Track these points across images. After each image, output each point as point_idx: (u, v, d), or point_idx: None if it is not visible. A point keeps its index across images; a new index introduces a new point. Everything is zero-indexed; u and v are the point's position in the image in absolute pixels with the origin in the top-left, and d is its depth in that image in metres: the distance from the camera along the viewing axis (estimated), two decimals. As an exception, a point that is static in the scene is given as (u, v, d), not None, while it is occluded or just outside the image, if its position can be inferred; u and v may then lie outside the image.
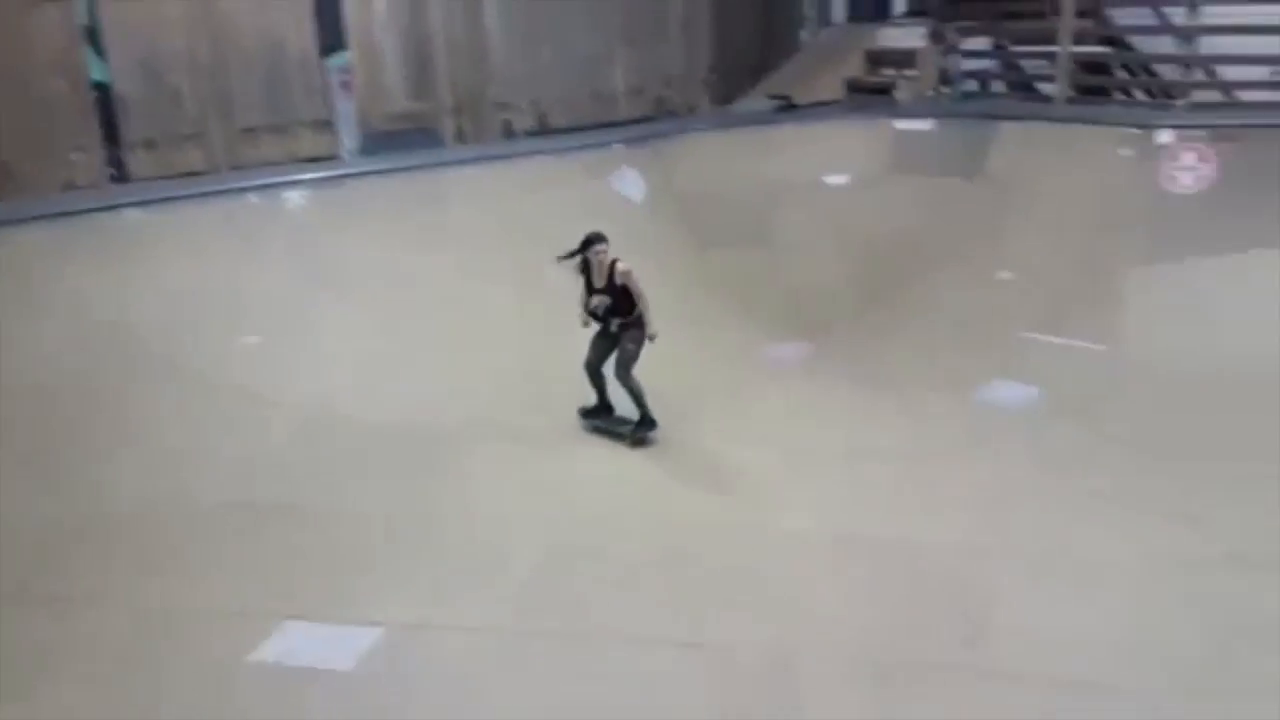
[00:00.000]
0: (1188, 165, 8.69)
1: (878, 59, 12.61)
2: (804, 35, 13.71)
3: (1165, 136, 8.96)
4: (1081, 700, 4.23)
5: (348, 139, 10.00)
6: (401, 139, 10.10)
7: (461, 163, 9.72)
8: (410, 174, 9.22)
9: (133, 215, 7.79)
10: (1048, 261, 8.49)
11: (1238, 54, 10.26)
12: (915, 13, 13.38)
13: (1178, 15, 10.63)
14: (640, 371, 6.78)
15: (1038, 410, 7.27)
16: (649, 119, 11.90)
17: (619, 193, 10.08)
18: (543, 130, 11.16)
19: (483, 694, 4.38)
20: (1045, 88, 11.16)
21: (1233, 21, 9.88)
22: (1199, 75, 10.57)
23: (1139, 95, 11.55)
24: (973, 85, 11.83)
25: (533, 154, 10.15)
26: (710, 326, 8.77)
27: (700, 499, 6.16)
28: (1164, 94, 10.73)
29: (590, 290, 6.80)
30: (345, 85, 9.98)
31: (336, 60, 9.88)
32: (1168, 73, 10.93)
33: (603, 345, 6.93)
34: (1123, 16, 11.57)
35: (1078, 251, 8.43)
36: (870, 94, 12.00)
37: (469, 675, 4.50)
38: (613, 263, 6.66)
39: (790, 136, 10.67)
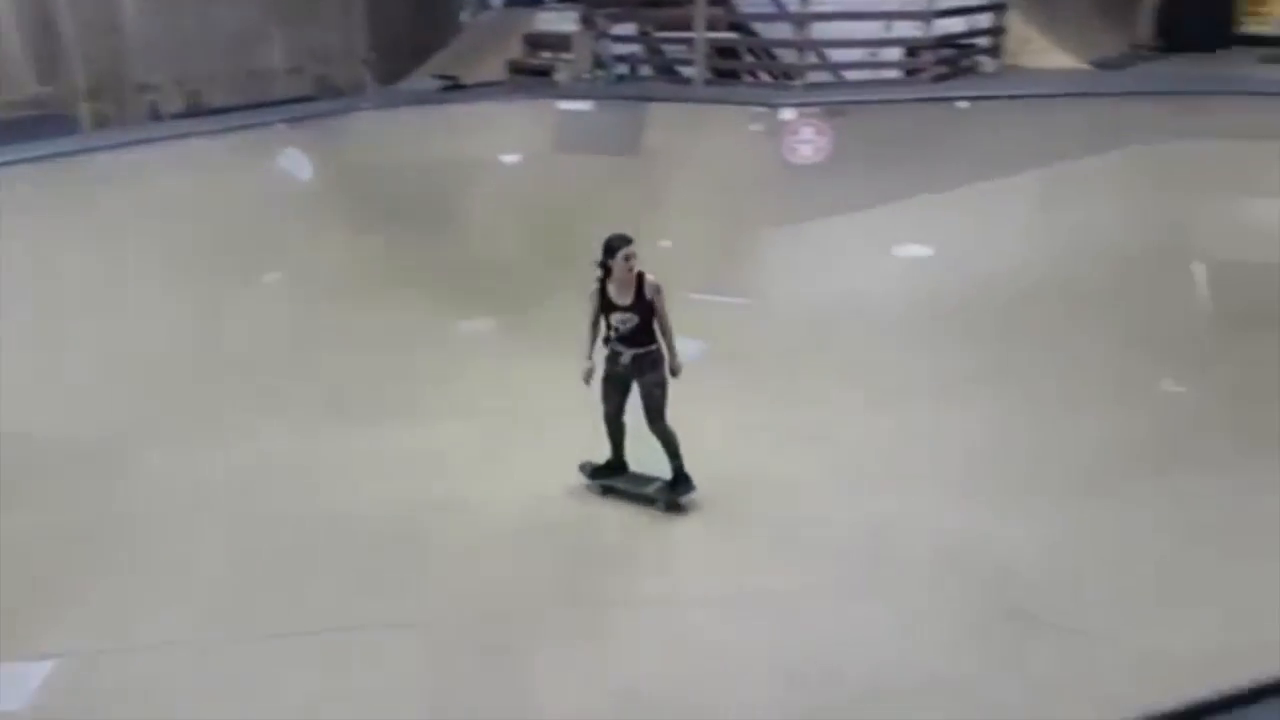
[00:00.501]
0: (807, 138, 9.98)
1: (536, 42, 13.12)
2: (464, 17, 13.92)
3: (788, 113, 10.23)
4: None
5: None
6: (27, 128, 9.11)
7: (102, 149, 9.00)
8: (40, 165, 8.40)
9: None
10: (699, 228, 9.41)
11: (842, 38, 11.81)
12: (567, -2, 14.04)
13: (792, 3, 12.02)
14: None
15: (702, 360, 8.12)
16: (310, 98, 11.61)
17: (283, 173, 9.80)
18: (195, 111, 10.54)
19: (177, 715, 4.15)
20: (686, 71, 12.23)
21: (836, 8, 11.37)
22: (812, 58, 12.06)
23: (765, 77, 12.93)
24: (624, 69, 12.69)
25: (185, 136, 9.62)
26: (395, 308, 8.82)
27: (395, 482, 6.07)
28: (785, 75, 12.12)
29: (609, 308, 5.49)
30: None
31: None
32: (787, 56, 12.36)
33: (617, 388, 5.63)
34: (747, 4, 12.90)
35: (723, 218, 9.44)
36: (531, 75, 12.50)
37: (158, 699, 4.20)
38: (640, 274, 5.46)
39: (458, 116, 10.91)
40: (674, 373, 5.52)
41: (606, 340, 5.54)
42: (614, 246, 5.42)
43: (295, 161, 9.97)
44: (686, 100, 11.16)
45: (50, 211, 8.03)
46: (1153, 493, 5.56)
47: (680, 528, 5.59)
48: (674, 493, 5.65)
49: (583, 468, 5.99)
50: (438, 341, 8.48)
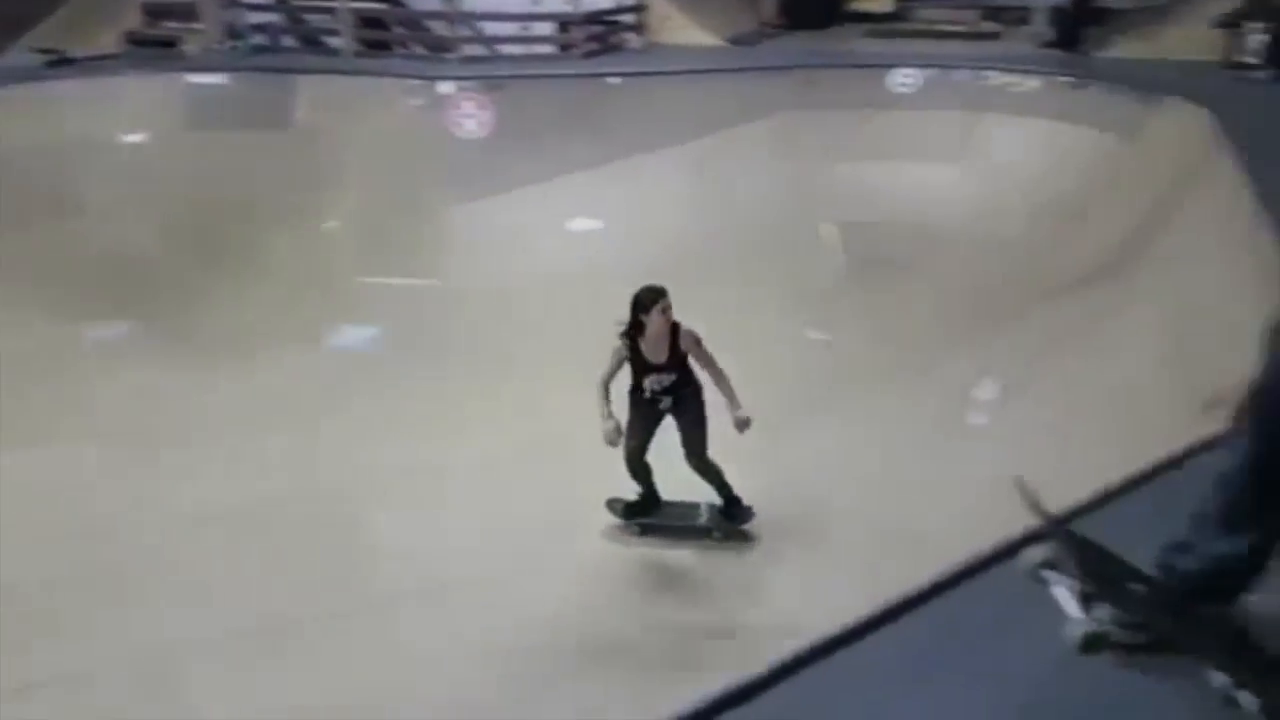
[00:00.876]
0: (469, 113, 9.84)
1: (157, 11, 11.77)
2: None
3: (446, 87, 10.01)
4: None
5: None
6: None
7: None
8: None
9: None
10: (367, 207, 9.00)
11: (493, 11, 11.67)
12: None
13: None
14: None
15: (385, 346, 7.80)
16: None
17: None
18: None
19: None
20: (333, 42, 11.54)
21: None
22: (465, 31, 11.83)
23: (418, 49, 12.52)
24: (262, 39, 11.73)
25: None
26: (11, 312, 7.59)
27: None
28: (439, 48, 11.80)
29: (644, 369, 4.88)
30: None
31: None
32: (439, 28, 12.03)
33: (645, 426, 5.06)
34: (393, -27, 12.38)
35: (392, 196, 9.09)
36: (155, 47, 11.20)
37: None
38: (674, 326, 4.80)
39: (67, 93, 9.54)
40: (739, 426, 4.80)
41: (638, 393, 4.96)
42: (648, 301, 4.73)
43: None
44: (335, 72, 10.57)
45: None
46: (812, 426, 6.09)
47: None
48: (734, 521, 5.23)
49: (612, 507, 5.38)
50: (59, 354, 7.37)
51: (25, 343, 7.29)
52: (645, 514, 5.33)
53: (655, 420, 5.04)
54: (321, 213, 9.05)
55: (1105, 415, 4.85)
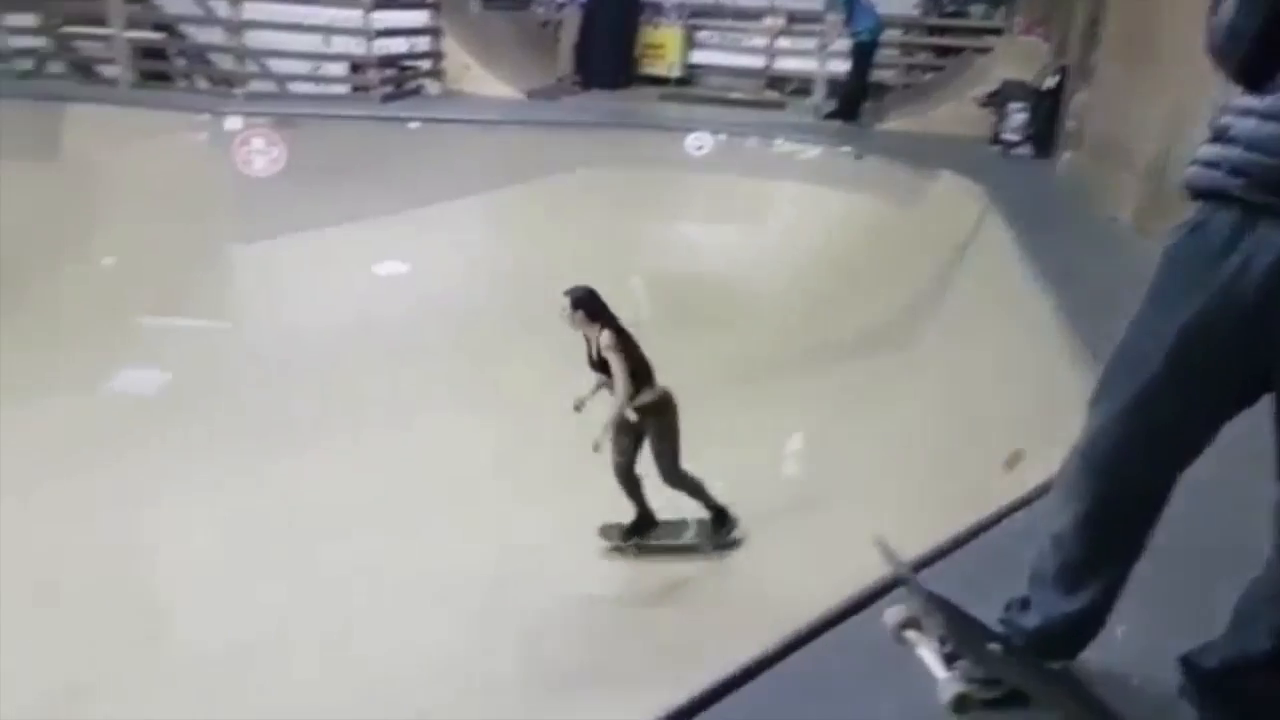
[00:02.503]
0: (258, 149, 9.56)
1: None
2: None
3: (234, 123, 9.70)
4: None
5: None
6: None
7: None
8: None
9: None
10: (150, 244, 8.50)
11: (285, 49, 11.43)
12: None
13: (222, 8, 11.29)
14: None
15: (169, 393, 7.38)
16: None
17: None
18: None
19: None
20: (108, 71, 10.91)
21: (272, 18, 11.00)
22: (253, 67, 11.52)
23: (202, 83, 12.05)
24: (28, 64, 10.92)
25: None
26: None
27: None
28: (225, 82, 11.40)
29: (591, 363, 5.10)
30: None
31: None
32: (224, 63, 11.62)
33: (626, 439, 5.11)
34: (172, 5, 11.88)
35: (177, 233, 8.63)
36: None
37: None
38: (600, 329, 4.96)
39: None
40: (626, 424, 5.01)
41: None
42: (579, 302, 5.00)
43: None
44: (110, 102, 10.02)
45: None
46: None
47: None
48: (720, 532, 5.31)
49: (606, 533, 5.39)
50: None
51: None
52: (641, 535, 5.37)
53: (631, 433, 5.10)
54: (97, 248, 8.51)
55: (913, 473, 5.14)
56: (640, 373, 5.01)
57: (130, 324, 7.88)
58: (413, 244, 9.16)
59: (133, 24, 10.78)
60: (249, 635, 4.66)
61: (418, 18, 12.12)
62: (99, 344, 7.54)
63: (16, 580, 4.81)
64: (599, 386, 5.12)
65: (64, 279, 8.11)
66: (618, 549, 5.35)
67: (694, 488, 5.24)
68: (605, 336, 4.93)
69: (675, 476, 5.16)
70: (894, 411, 6.16)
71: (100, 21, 10.64)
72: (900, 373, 6.72)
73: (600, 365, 5.03)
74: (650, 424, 5.04)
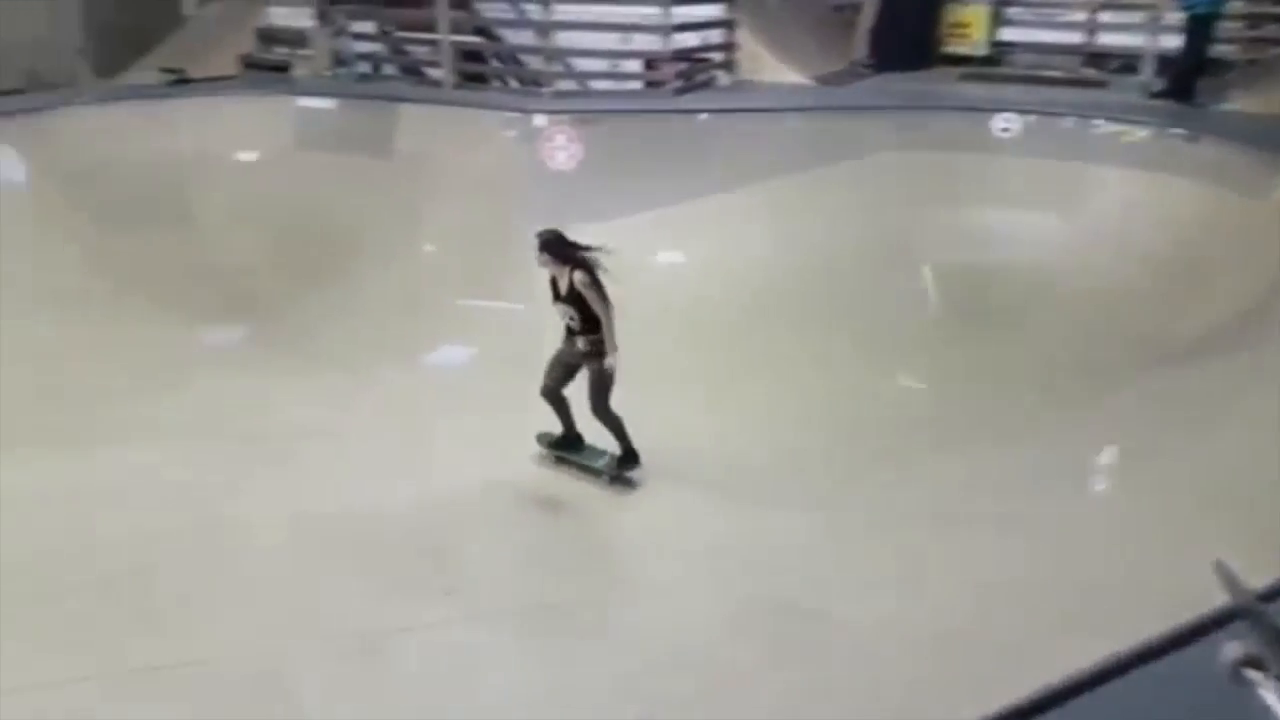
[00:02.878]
0: (560, 145, 10.11)
1: (270, 37, 12.38)
2: (188, 8, 12.78)
3: (540, 120, 10.32)
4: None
5: None
6: None
7: None
8: None
9: None
10: (464, 233, 9.28)
11: (585, 48, 12.03)
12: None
13: (534, 11, 12.10)
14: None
15: (476, 365, 8.05)
16: (18, 91, 10.27)
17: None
18: None
19: None
20: (433, 73, 11.98)
21: (578, 19, 11.58)
22: (559, 67, 12.22)
23: (514, 83, 12.95)
24: (366, 67, 12.24)
25: None
26: (129, 317, 8.05)
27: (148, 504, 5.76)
28: (533, 82, 12.20)
29: (555, 296, 5.95)
30: None
31: None
32: (533, 63, 12.43)
33: (561, 367, 6.11)
34: (488, 10, 12.84)
35: (487, 223, 9.35)
36: (267, 71, 11.77)
37: None
38: (572, 270, 5.80)
39: (190, 111, 10.09)
40: (606, 370, 5.82)
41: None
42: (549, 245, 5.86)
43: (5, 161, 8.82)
44: (436, 102, 10.96)
45: None
46: (898, 481, 6.09)
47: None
48: (622, 468, 6.07)
49: (540, 438, 6.35)
50: (171, 355, 7.79)
51: (138, 341, 7.77)
52: (563, 449, 6.28)
53: (571, 362, 5.95)
54: (421, 235, 9.38)
55: (1231, 502, 4.67)
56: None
57: (445, 305, 8.63)
58: (692, 234, 9.29)
59: (455, 29, 11.74)
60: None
61: (714, 11, 12.29)
62: (421, 323, 8.35)
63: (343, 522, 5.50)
64: (566, 319, 5.87)
65: (394, 264, 9.00)
66: (542, 455, 6.31)
67: (616, 425, 5.99)
68: (579, 275, 5.68)
69: (603, 411, 5.92)
70: (1229, 426, 5.54)
71: (428, 28, 11.69)
72: (1238, 382, 6.03)
73: (569, 299, 5.75)
74: (593, 361, 5.78)
